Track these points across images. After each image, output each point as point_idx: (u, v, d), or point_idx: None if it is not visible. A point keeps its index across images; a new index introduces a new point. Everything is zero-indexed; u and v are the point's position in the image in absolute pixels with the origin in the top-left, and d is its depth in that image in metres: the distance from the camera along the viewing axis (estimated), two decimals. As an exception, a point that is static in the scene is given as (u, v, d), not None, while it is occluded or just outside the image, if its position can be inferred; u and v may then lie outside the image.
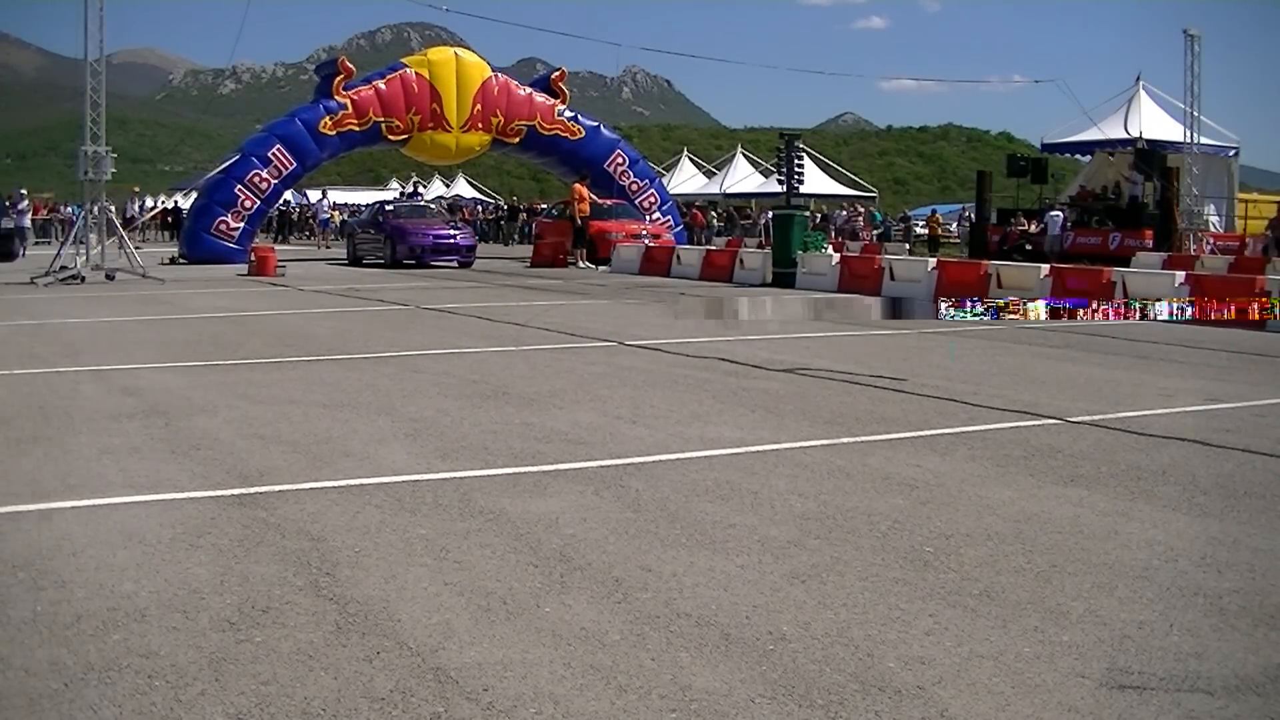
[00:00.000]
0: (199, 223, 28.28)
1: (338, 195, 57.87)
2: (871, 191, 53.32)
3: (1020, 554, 4.52)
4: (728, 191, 49.61)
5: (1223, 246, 28.60)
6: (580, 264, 26.46)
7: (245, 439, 6.62)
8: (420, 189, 57.79)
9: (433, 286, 20.11)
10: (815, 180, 46.10)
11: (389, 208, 30.21)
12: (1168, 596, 4.04)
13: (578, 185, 27.80)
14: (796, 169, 31.32)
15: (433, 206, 37.79)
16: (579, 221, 27.19)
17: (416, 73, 29.31)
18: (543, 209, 50.07)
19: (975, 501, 5.33)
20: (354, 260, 28.56)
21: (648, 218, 31.35)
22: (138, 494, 5.36)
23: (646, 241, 26.64)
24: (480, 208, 54.52)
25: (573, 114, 31.82)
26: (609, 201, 30.48)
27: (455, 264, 26.62)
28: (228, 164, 28.48)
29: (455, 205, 51.37)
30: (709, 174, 54.28)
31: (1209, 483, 5.72)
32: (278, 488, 5.48)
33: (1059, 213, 30.86)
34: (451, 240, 27.23)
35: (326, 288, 19.71)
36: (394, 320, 14.30)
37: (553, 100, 31.35)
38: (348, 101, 28.31)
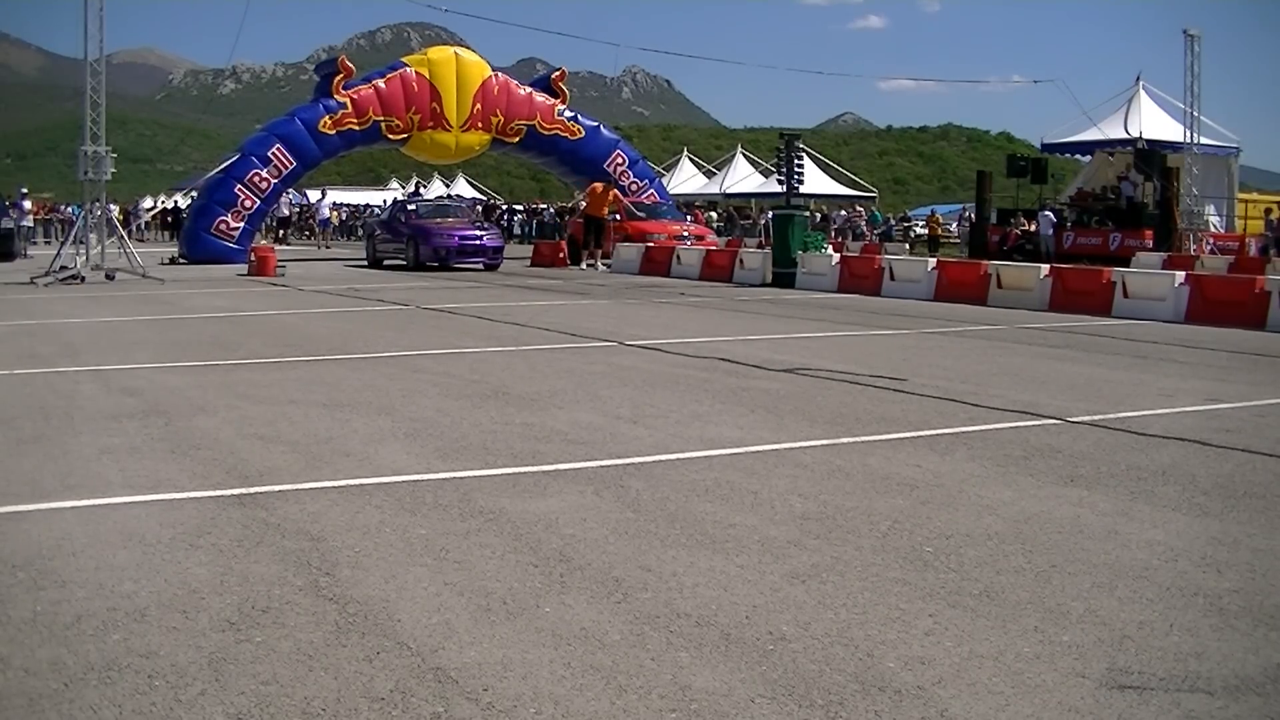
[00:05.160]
0: (199, 223, 28.29)
1: (338, 195, 57.83)
2: (871, 191, 53.31)
3: (1020, 554, 4.52)
4: (728, 191, 49.58)
5: (1222, 246, 28.61)
6: (585, 265, 26.33)
7: (245, 439, 6.62)
8: (421, 189, 57.76)
9: (433, 286, 20.11)
10: (815, 180, 46.05)
11: (410, 206, 28.55)
12: (1168, 596, 4.04)
13: (600, 185, 27.34)
14: (796, 169, 31.29)
15: (457, 204, 36.11)
16: (583, 219, 27.12)
17: (416, 72, 29.32)
18: (543, 209, 50.18)
19: (975, 501, 5.33)
20: (374, 262, 27.15)
21: (688, 219, 31.20)
22: (138, 494, 5.36)
23: (689, 243, 26.37)
24: (480, 208, 54.50)
25: (572, 114, 31.85)
26: (650, 202, 30.40)
27: (481, 266, 25.24)
28: (228, 164, 28.49)
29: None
30: (709, 174, 54.20)
31: (1209, 483, 5.72)
32: (278, 488, 5.48)
33: (1049, 213, 30.90)
34: (478, 241, 25.55)
35: (326, 288, 19.72)
36: (394, 320, 14.30)
37: (553, 100, 31.38)
38: (347, 101, 28.33)
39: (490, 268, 25.36)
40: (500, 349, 11.13)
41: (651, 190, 32.76)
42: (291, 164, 28.17)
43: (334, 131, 28.32)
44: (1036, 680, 3.30)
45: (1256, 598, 4.03)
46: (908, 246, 38.55)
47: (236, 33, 30.13)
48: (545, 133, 30.96)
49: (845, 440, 6.68)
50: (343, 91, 28.37)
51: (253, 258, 23.92)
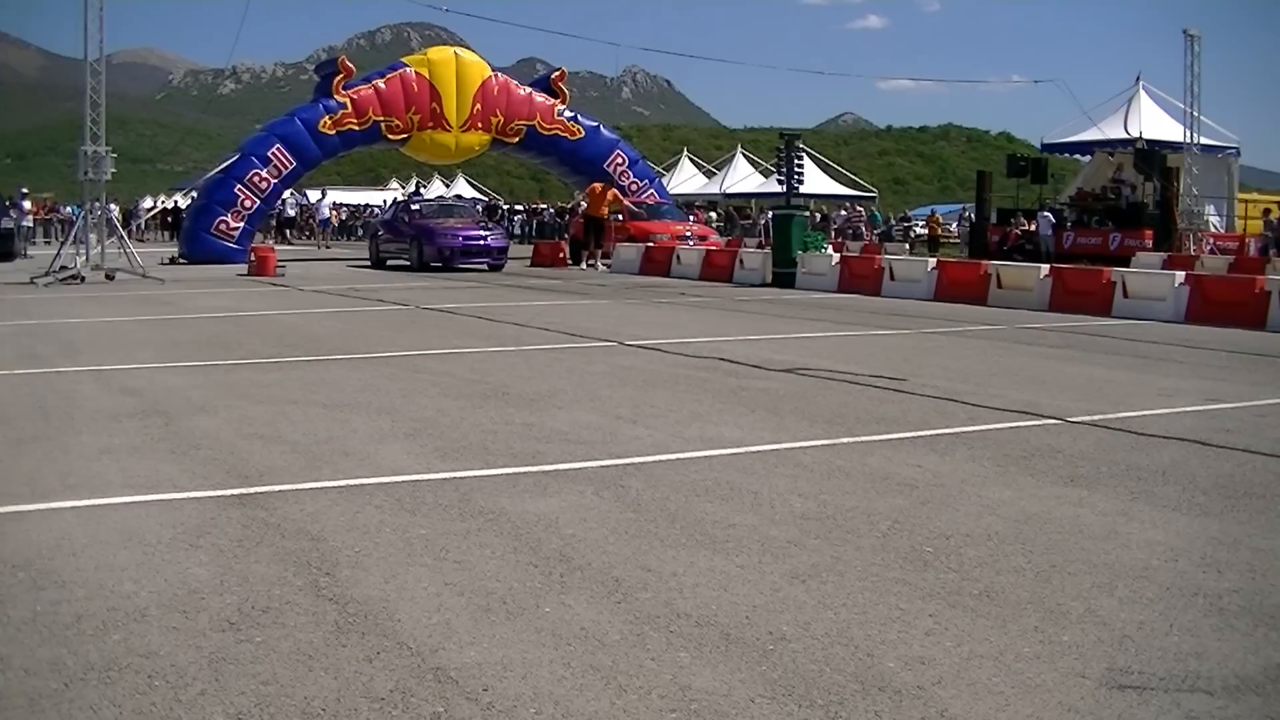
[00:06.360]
0: (199, 223, 28.27)
1: (338, 195, 57.81)
2: (871, 191, 53.28)
3: (1020, 554, 4.52)
4: (728, 191, 49.56)
5: (1222, 246, 28.62)
6: (585, 265, 26.29)
7: (245, 439, 6.62)
8: (421, 189, 57.77)
9: (433, 287, 20.12)
10: (815, 180, 46.04)
11: (414, 207, 28.25)
12: (1168, 596, 4.04)
13: (599, 185, 27.35)
14: (796, 169, 31.30)
15: (460, 204, 35.86)
16: (583, 219, 27.09)
17: (416, 72, 29.31)
18: (543, 209, 50.15)
19: (975, 501, 5.33)
20: (377, 263, 26.85)
21: (691, 218, 31.08)
22: (138, 494, 5.36)
23: (692, 243, 26.32)
24: (480, 208, 54.47)
25: (572, 114, 31.84)
26: (651, 202, 30.36)
27: (485, 266, 25.06)
28: (228, 164, 28.47)
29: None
30: (709, 174, 54.18)
31: (1209, 483, 5.72)
32: (278, 488, 5.48)
33: (1048, 213, 30.95)
34: (482, 242, 25.32)
35: (326, 288, 19.71)
36: (394, 320, 14.30)
37: (552, 100, 31.38)
38: (347, 101, 28.31)
39: (494, 268, 25.21)
40: (500, 349, 11.13)
41: (651, 190, 32.75)
42: (291, 164, 28.15)
43: (334, 132, 28.31)
44: (1036, 680, 3.30)
45: (1256, 598, 4.03)
46: (908, 246, 38.54)
47: (236, 33, 30.07)
48: (545, 133, 30.95)
49: (845, 440, 6.69)
50: (343, 91, 28.36)
51: (253, 258, 23.91)
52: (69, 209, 42.79)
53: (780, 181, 31.56)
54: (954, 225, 45.57)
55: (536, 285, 20.98)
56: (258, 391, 8.32)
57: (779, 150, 31.67)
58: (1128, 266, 20.65)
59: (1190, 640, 3.62)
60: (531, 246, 32.76)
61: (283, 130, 28.51)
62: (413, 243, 25.67)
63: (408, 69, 29.49)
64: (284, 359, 10.17)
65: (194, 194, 33.00)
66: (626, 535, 4.73)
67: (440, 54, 30.72)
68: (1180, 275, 16.28)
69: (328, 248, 39.30)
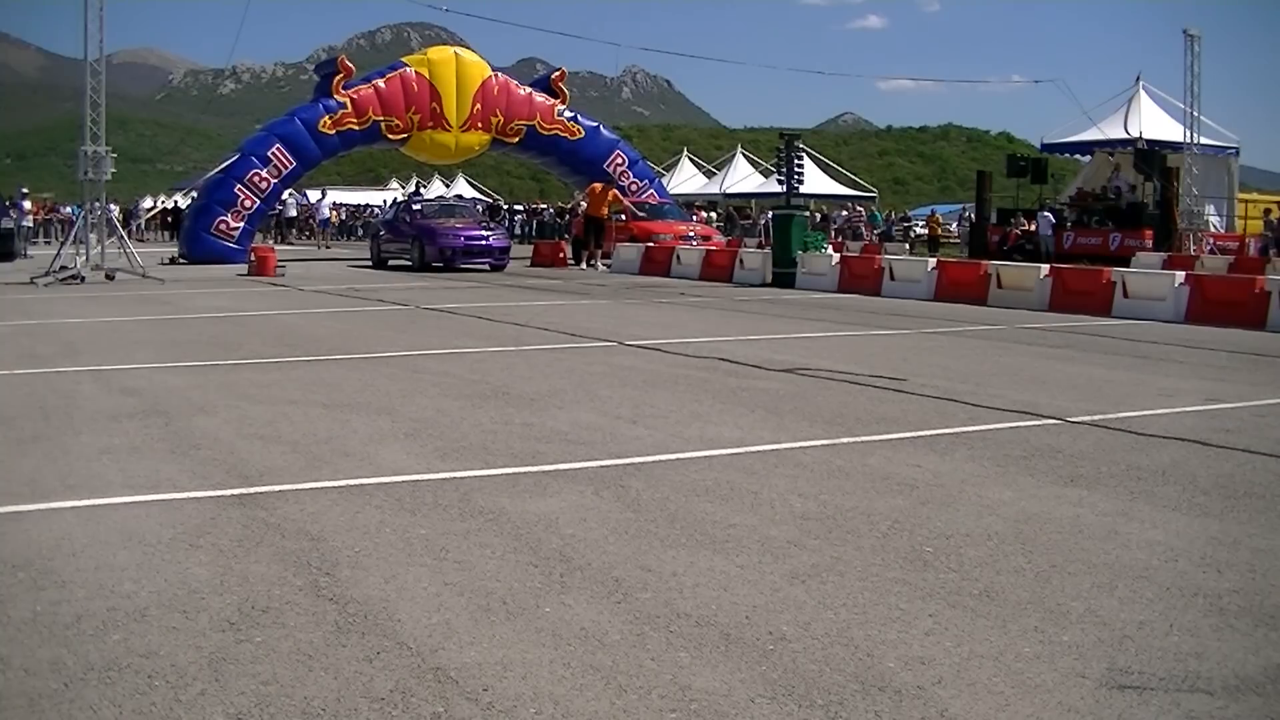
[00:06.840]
0: (199, 222, 28.26)
1: (338, 195, 57.80)
2: (871, 191, 53.30)
3: (1020, 554, 4.52)
4: (728, 191, 49.55)
5: (1222, 246, 28.62)
6: (585, 265, 26.27)
7: (245, 439, 6.62)
8: (421, 189, 57.77)
9: (433, 287, 20.12)
10: (815, 180, 46.04)
11: (415, 206, 28.12)
12: (1168, 596, 4.04)
13: (599, 185, 27.35)
14: (796, 169, 31.27)
15: (462, 204, 35.99)
16: (584, 219, 27.08)
17: (416, 72, 29.30)
18: (543, 209, 50.13)
19: (975, 501, 5.33)
20: (378, 263, 26.73)
21: (693, 218, 31.03)
22: (138, 494, 5.36)
23: (695, 243, 26.31)
24: (481, 208, 54.47)
25: (572, 114, 31.83)
26: (653, 201, 30.34)
27: (488, 266, 25.02)
28: (228, 164, 28.46)
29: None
30: (709, 174, 54.19)
31: (1209, 483, 5.72)
32: (278, 488, 5.48)
33: (1048, 213, 30.97)
34: (484, 242, 25.28)
35: (327, 288, 19.71)
36: (394, 320, 14.30)
37: (552, 100, 31.37)
38: (347, 101, 28.30)
39: (496, 268, 25.16)
40: (500, 349, 11.13)
41: (651, 190, 32.74)
42: (291, 164, 28.13)
43: (334, 131, 28.29)
44: (1036, 680, 3.30)
45: (1256, 598, 4.03)
46: (908, 246, 38.55)
47: (236, 33, 30.14)
48: (545, 133, 30.94)
49: (845, 440, 6.69)
50: (342, 91, 28.34)
51: (253, 258, 23.90)
52: (69, 209, 42.77)
53: (780, 181, 31.53)
54: (954, 225, 45.61)
55: (536, 285, 20.98)
56: (258, 391, 8.32)
57: (779, 150, 31.64)
58: (1128, 266, 20.65)
59: (1190, 640, 3.62)
60: (531, 246, 32.76)
61: (283, 130, 28.49)
62: (414, 243, 25.63)
63: (408, 69, 29.48)
64: (284, 359, 10.17)
65: (194, 194, 32.98)
66: (626, 535, 4.73)
67: (440, 54, 30.71)
68: (1180, 275, 16.27)
69: (328, 248, 39.30)
